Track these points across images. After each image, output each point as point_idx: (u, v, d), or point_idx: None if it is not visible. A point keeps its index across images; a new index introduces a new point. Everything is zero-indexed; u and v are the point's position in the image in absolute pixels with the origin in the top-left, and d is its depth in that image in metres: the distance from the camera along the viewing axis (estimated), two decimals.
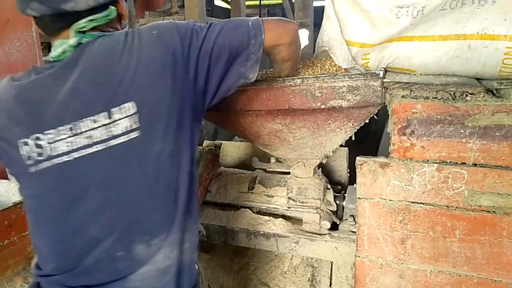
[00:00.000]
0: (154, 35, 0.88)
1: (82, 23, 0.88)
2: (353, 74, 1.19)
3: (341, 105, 1.20)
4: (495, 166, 1.08)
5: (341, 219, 1.60)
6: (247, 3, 8.17)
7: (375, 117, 1.30)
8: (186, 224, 0.96)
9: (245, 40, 0.95)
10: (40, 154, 0.87)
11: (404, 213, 1.20)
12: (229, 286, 1.82)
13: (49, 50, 0.96)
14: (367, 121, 1.31)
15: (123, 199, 0.89)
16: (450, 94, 1.09)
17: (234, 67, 0.96)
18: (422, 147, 1.14)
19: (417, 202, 1.18)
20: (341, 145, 1.46)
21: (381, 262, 1.27)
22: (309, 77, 1.21)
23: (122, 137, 0.85)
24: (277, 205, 1.64)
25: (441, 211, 1.16)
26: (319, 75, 1.23)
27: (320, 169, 1.64)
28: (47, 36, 0.93)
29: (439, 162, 1.13)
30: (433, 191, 1.15)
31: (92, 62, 0.86)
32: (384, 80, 1.16)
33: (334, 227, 1.56)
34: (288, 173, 1.68)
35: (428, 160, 1.14)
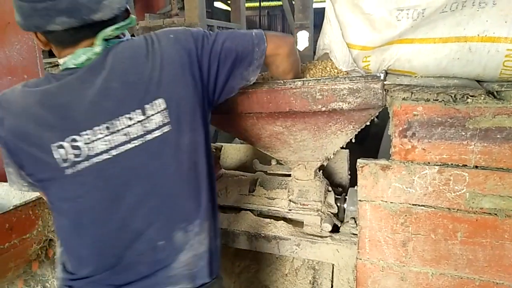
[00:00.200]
0: (172, 38, 0.96)
1: (109, 31, 0.92)
2: (354, 76, 1.19)
3: (342, 107, 1.20)
4: (496, 168, 1.08)
5: (342, 221, 1.60)
6: (247, 4, 8.18)
7: (375, 119, 1.30)
8: (212, 211, 1.05)
9: (250, 47, 1.04)
10: (77, 155, 0.88)
11: (406, 215, 1.20)
12: None
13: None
14: (368, 123, 1.31)
15: (161, 189, 0.94)
16: (451, 96, 1.09)
17: (239, 70, 1.04)
18: (423, 149, 1.14)
19: (419, 205, 1.18)
20: (342, 147, 1.46)
21: (383, 264, 1.27)
22: (310, 80, 1.21)
23: (156, 132, 0.91)
24: (278, 207, 1.64)
25: (442, 214, 1.16)
26: (319, 78, 1.24)
27: (321, 171, 1.64)
28: (61, 47, 0.93)
29: (440, 165, 1.13)
30: (435, 194, 1.15)
31: (121, 64, 0.90)
32: (385, 82, 1.16)
33: (335, 229, 1.55)
34: (289, 175, 1.68)
35: (429, 163, 1.14)
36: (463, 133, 1.09)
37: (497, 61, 1.07)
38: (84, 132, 0.88)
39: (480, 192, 1.11)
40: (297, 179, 1.60)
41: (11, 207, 1.43)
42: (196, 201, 1.00)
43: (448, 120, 1.09)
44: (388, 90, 1.16)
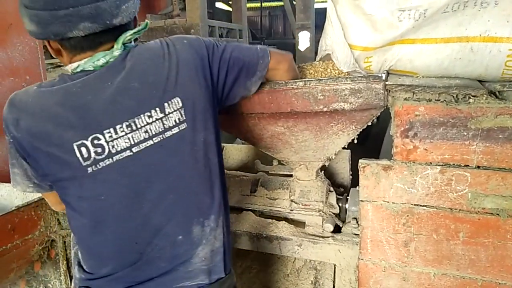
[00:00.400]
0: (186, 43, 1.02)
1: (129, 35, 0.95)
2: (355, 76, 1.19)
3: (343, 107, 1.20)
4: (498, 168, 1.08)
5: (344, 221, 1.60)
6: (248, 5, 8.19)
7: (375, 119, 1.30)
8: (224, 207, 1.09)
9: (255, 59, 1.13)
10: (99, 153, 0.90)
11: (407, 215, 1.20)
12: None
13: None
14: (369, 123, 1.31)
15: (179, 184, 0.98)
16: (453, 97, 1.09)
17: (243, 79, 1.12)
18: (425, 149, 1.14)
19: (420, 205, 1.18)
20: (343, 148, 1.46)
21: (385, 264, 1.26)
22: (312, 80, 1.21)
23: (174, 129, 0.95)
24: (280, 207, 1.64)
25: (444, 214, 1.16)
26: (321, 78, 1.24)
27: (323, 171, 1.64)
28: (76, 53, 0.93)
29: (442, 165, 1.13)
30: (436, 194, 1.15)
31: (141, 65, 0.94)
32: (387, 82, 1.16)
33: (337, 229, 1.55)
34: (291, 175, 1.68)
35: (431, 163, 1.14)
36: (465, 133, 1.09)
37: (499, 61, 1.07)
38: (106, 131, 0.90)
39: (482, 192, 1.10)
40: (299, 180, 1.60)
41: (14, 208, 1.44)
42: (211, 197, 1.03)
43: (450, 120, 1.09)
44: (389, 90, 1.16)
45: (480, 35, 1.07)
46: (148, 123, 0.93)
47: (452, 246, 1.17)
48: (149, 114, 0.93)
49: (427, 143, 1.13)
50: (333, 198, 1.59)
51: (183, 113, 0.96)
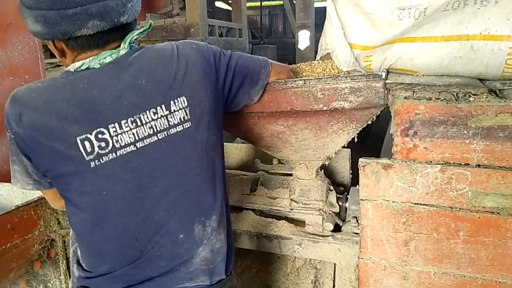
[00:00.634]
0: (194, 48, 1.04)
1: (135, 35, 0.97)
2: (355, 75, 1.18)
3: (343, 106, 1.20)
4: (498, 167, 1.08)
5: (344, 220, 1.59)
6: (248, 4, 8.18)
7: (375, 118, 1.29)
8: (226, 208, 1.10)
9: (258, 68, 1.18)
10: (103, 148, 0.90)
11: (408, 214, 1.20)
12: None
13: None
14: (369, 122, 1.30)
15: (182, 181, 0.98)
16: (453, 95, 1.08)
17: (247, 87, 1.16)
18: (425, 148, 1.14)
19: (421, 204, 1.17)
20: (343, 147, 1.45)
21: (385, 263, 1.26)
22: (311, 79, 1.21)
23: (179, 126, 0.96)
24: (280, 207, 1.64)
25: (444, 213, 1.16)
26: (321, 77, 1.23)
27: (323, 170, 1.64)
28: (82, 51, 0.93)
29: (442, 163, 1.13)
30: (437, 192, 1.15)
31: (149, 64, 0.95)
32: (387, 81, 1.16)
33: (337, 228, 1.55)
34: (291, 174, 1.67)
35: (431, 161, 1.14)
36: (465, 132, 1.08)
37: (499, 59, 1.06)
38: (111, 125, 0.90)
39: (483, 191, 1.10)
40: (299, 179, 1.60)
41: (13, 208, 1.43)
42: (213, 197, 1.04)
43: (450, 118, 1.09)
44: (389, 89, 1.16)
45: (480, 33, 1.06)
46: (153, 119, 0.93)
47: (452, 245, 1.17)
48: (154, 110, 0.93)
49: (427, 141, 1.13)
50: (333, 197, 1.59)
51: (188, 112, 0.97)
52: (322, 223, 1.54)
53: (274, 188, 1.67)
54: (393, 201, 1.20)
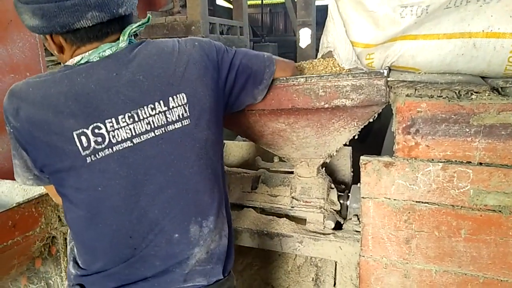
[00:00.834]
0: (197, 45, 1.03)
1: (134, 27, 0.96)
2: (357, 73, 1.18)
3: (345, 104, 1.20)
4: (500, 165, 1.07)
5: (345, 218, 1.59)
6: (249, 2, 8.17)
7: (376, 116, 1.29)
8: (225, 209, 1.08)
9: (262, 67, 1.16)
10: (99, 143, 0.89)
11: (409, 212, 1.19)
12: None
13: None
14: (371, 120, 1.30)
15: (179, 179, 0.96)
16: (455, 93, 1.08)
17: (250, 87, 1.15)
18: (427, 146, 1.13)
19: (422, 202, 1.17)
20: (344, 144, 1.45)
21: (386, 261, 1.26)
22: (313, 76, 1.21)
23: (177, 123, 0.95)
24: (281, 204, 1.64)
25: (446, 211, 1.15)
26: (322, 74, 1.23)
27: (324, 168, 1.64)
28: (81, 44, 0.92)
29: (444, 161, 1.13)
30: (438, 191, 1.15)
31: (148, 59, 0.94)
32: (389, 79, 1.16)
33: (338, 226, 1.55)
34: (292, 172, 1.67)
35: (433, 159, 1.14)
36: (467, 130, 1.08)
37: (502, 57, 1.06)
38: (108, 120, 0.89)
39: (484, 189, 1.10)
40: (300, 176, 1.60)
41: (14, 205, 1.43)
42: (211, 197, 1.02)
43: (452, 116, 1.09)
44: (391, 87, 1.16)
45: (483, 30, 1.06)
46: (151, 115, 0.92)
47: (453, 243, 1.17)
48: (152, 106, 0.92)
49: (429, 139, 1.13)
50: (334, 195, 1.59)
51: (187, 109, 0.96)
52: (323, 221, 1.54)
53: (275, 186, 1.67)
54: (394, 199, 1.20)
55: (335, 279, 1.59)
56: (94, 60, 0.92)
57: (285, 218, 1.62)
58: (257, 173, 1.77)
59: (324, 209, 1.55)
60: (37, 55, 2.19)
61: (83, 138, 0.88)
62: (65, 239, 1.64)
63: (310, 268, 1.71)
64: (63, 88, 0.89)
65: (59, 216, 1.60)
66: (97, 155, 0.89)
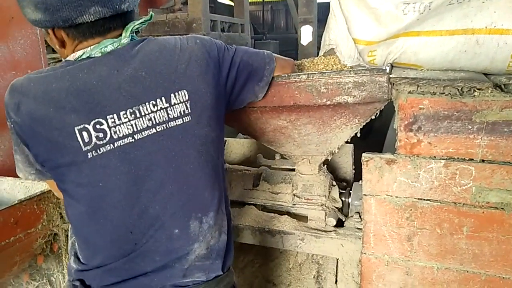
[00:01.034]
0: (199, 42, 1.03)
1: (137, 24, 0.96)
2: (359, 69, 1.18)
3: (347, 101, 1.19)
4: (503, 162, 1.07)
5: (346, 216, 1.59)
6: (250, 0, 8.15)
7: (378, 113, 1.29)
8: (224, 206, 1.09)
9: (262, 64, 1.16)
10: (100, 138, 0.89)
11: (411, 209, 1.19)
12: None
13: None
14: (373, 117, 1.30)
15: (180, 176, 0.97)
16: (458, 90, 1.08)
17: (251, 84, 1.15)
18: (429, 143, 1.13)
19: (424, 199, 1.17)
20: (346, 142, 1.45)
21: (388, 259, 1.26)
22: (315, 73, 1.20)
23: (178, 120, 0.95)
24: (282, 202, 1.64)
25: (448, 208, 1.15)
26: (324, 71, 1.22)
27: (325, 165, 1.63)
28: (83, 39, 0.93)
29: (446, 159, 1.12)
30: (440, 188, 1.15)
31: (150, 56, 0.95)
32: (391, 75, 1.15)
33: (339, 224, 1.55)
34: (293, 169, 1.67)
35: (435, 157, 1.13)
36: (470, 127, 1.08)
37: (505, 54, 1.06)
38: (109, 116, 0.89)
39: (487, 186, 1.10)
40: (301, 174, 1.60)
41: (16, 202, 1.44)
42: (211, 193, 1.02)
43: (455, 113, 1.08)
44: (394, 84, 1.15)
45: (486, 27, 1.05)
46: (152, 111, 0.92)
47: (455, 240, 1.16)
48: (154, 102, 0.92)
49: (431, 136, 1.12)
50: (335, 192, 1.59)
51: (188, 106, 0.96)
52: (325, 218, 1.54)
53: (276, 183, 1.67)
54: (396, 196, 1.20)
55: (336, 276, 1.59)
56: (96, 55, 0.92)
57: (286, 216, 1.62)
58: (258, 171, 1.77)
59: (325, 206, 1.55)
60: (39, 52, 2.18)
61: (85, 134, 0.88)
62: (67, 236, 1.64)
63: (311, 265, 1.72)
64: (64, 84, 0.89)
65: (60, 213, 1.61)
66: (98, 151, 0.89)
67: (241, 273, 1.84)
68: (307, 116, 1.31)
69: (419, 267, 1.23)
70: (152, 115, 0.92)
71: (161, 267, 0.98)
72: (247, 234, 1.61)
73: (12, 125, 0.92)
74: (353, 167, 1.79)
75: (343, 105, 1.22)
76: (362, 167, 1.23)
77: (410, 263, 1.24)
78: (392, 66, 1.22)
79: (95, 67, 0.91)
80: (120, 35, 0.95)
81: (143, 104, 0.92)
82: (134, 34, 0.98)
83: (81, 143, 0.88)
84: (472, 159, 1.10)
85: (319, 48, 1.55)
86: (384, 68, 1.15)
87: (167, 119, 0.94)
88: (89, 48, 0.92)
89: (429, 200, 1.17)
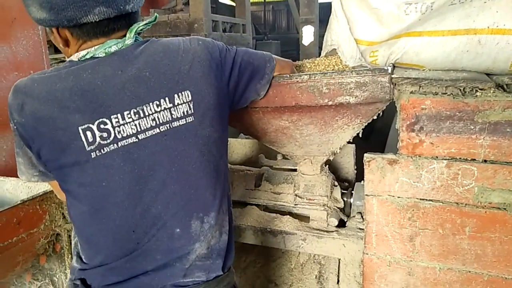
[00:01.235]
0: (201, 44, 1.04)
1: (141, 25, 0.97)
2: (361, 70, 1.18)
3: (348, 101, 1.19)
4: (506, 162, 1.07)
5: (348, 216, 1.59)
6: (251, 0, 8.14)
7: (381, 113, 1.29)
8: (226, 206, 1.09)
9: (263, 63, 1.18)
10: (104, 138, 0.90)
11: (413, 210, 1.19)
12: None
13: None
14: (374, 117, 1.30)
15: (182, 176, 0.97)
16: (460, 90, 1.08)
17: (253, 82, 1.16)
18: (431, 143, 1.13)
19: (426, 199, 1.17)
20: (348, 142, 1.45)
21: (390, 259, 1.26)
22: (316, 73, 1.20)
23: (181, 120, 0.96)
24: (284, 202, 1.64)
25: (450, 208, 1.15)
26: (326, 71, 1.23)
27: (327, 166, 1.63)
28: (87, 39, 0.93)
29: (448, 159, 1.12)
30: (443, 188, 1.14)
31: (154, 57, 0.96)
32: (393, 76, 1.15)
33: (341, 224, 1.55)
34: (295, 170, 1.67)
35: (437, 157, 1.13)
36: (472, 127, 1.08)
37: (507, 54, 1.05)
38: (114, 116, 0.90)
39: (489, 187, 1.09)
40: (303, 174, 1.60)
41: (19, 202, 1.44)
42: (213, 193, 1.03)
43: (457, 113, 1.08)
44: (395, 84, 1.15)
45: (488, 27, 1.05)
46: (156, 111, 0.93)
47: (458, 240, 1.16)
48: (157, 102, 0.93)
49: (434, 137, 1.12)
50: (337, 192, 1.59)
51: (191, 107, 0.97)
52: (327, 218, 1.54)
53: (278, 184, 1.67)
54: (398, 197, 1.20)
55: (338, 276, 1.59)
56: (100, 55, 0.93)
57: (288, 216, 1.62)
58: (260, 171, 1.77)
59: (327, 206, 1.55)
60: (41, 53, 2.19)
61: (89, 133, 0.88)
62: (69, 236, 1.65)
63: (313, 265, 1.72)
64: (68, 84, 0.89)
65: (63, 214, 1.61)
66: (102, 150, 0.90)
67: (243, 273, 1.84)
68: (309, 117, 1.31)
69: (421, 267, 1.23)
70: (156, 115, 0.93)
71: (162, 266, 0.98)
72: (249, 234, 1.61)
73: (15, 127, 0.92)
74: (355, 167, 1.79)
75: (345, 106, 1.22)
76: (364, 167, 1.23)
77: (412, 263, 1.23)
78: (394, 67, 1.22)
79: (99, 67, 0.91)
80: (124, 35, 0.95)
81: (147, 104, 0.92)
82: (137, 35, 0.99)
83: (84, 142, 0.89)
84: (474, 160, 1.10)
85: (320, 49, 1.55)
86: (386, 68, 1.15)
87: (170, 119, 0.94)
88: (93, 48, 0.92)
89: (431, 200, 1.17)
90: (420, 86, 1.11)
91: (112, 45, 0.93)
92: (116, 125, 0.90)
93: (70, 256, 1.67)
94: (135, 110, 0.91)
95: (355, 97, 1.18)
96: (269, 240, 1.59)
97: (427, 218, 1.18)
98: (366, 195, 1.24)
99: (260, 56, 1.19)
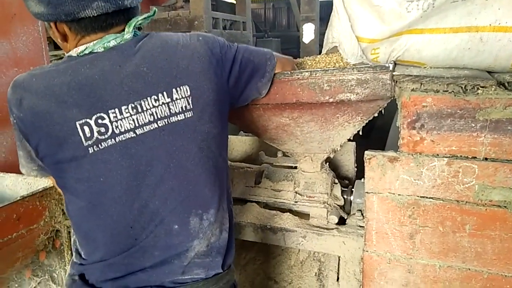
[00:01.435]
0: (201, 39, 1.04)
1: (140, 19, 0.97)
2: (362, 67, 1.17)
3: (349, 98, 1.19)
4: (506, 160, 1.07)
5: (348, 213, 1.59)
6: None
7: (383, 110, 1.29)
8: (226, 203, 1.08)
9: (263, 60, 1.17)
10: (102, 133, 0.89)
11: (413, 207, 1.19)
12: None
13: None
14: (375, 115, 1.29)
15: (180, 171, 0.97)
16: (461, 87, 1.07)
17: (254, 80, 1.15)
18: (432, 141, 1.13)
19: (427, 197, 1.17)
20: (348, 140, 1.45)
21: (390, 256, 1.26)
22: (317, 70, 1.20)
23: (180, 115, 0.95)
24: (284, 199, 1.64)
25: (451, 206, 1.15)
26: (327, 68, 1.22)
27: (328, 163, 1.63)
28: (86, 34, 0.93)
29: (449, 156, 1.12)
30: (443, 186, 1.14)
31: (152, 51, 0.95)
32: (394, 73, 1.15)
33: (341, 221, 1.55)
34: (295, 167, 1.67)
35: (438, 154, 1.13)
36: (473, 125, 1.07)
37: (509, 52, 1.05)
38: (111, 110, 0.89)
39: (490, 185, 1.09)
40: (304, 171, 1.60)
41: (19, 198, 1.44)
42: (212, 190, 1.02)
43: (458, 111, 1.08)
44: (397, 81, 1.15)
45: (490, 24, 1.05)
46: (154, 106, 0.92)
47: (458, 238, 1.16)
48: (155, 97, 0.92)
49: (434, 134, 1.12)
50: (337, 190, 1.59)
51: (190, 102, 0.96)
52: (327, 216, 1.54)
53: (278, 181, 1.67)
54: (398, 194, 1.20)
55: (338, 274, 1.59)
56: (99, 50, 0.92)
57: (288, 213, 1.62)
58: (260, 168, 1.77)
59: (327, 204, 1.55)
60: (41, 49, 2.19)
61: (86, 128, 0.88)
62: (69, 232, 1.65)
63: (313, 263, 1.72)
64: (66, 78, 0.89)
65: (63, 210, 1.61)
66: (99, 146, 0.89)
67: (242, 270, 1.84)
68: (309, 114, 1.31)
69: (421, 265, 1.23)
70: (154, 110, 0.92)
71: (160, 263, 0.98)
72: (249, 231, 1.61)
73: (14, 121, 0.93)
74: (355, 165, 1.79)
75: (345, 103, 1.22)
76: (365, 164, 1.23)
77: (412, 261, 1.24)
78: (395, 64, 1.21)
79: (98, 62, 0.91)
80: (123, 30, 0.95)
81: (145, 99, 0.92)
82: (137, 30, 0.98)
83: (82, 138, 0.88)
84: (475, 157, 1.10)
85: (321, 46, 1.54)
86: (387, 65, 1.15)
87: (168, 114, 0.94)
88: (91, 43, 0.92)
89: (431, 198, 1.17)
90: (421, 84, 1.11)
91: (110, 40, 0.92)
92: (114, 120, 0.90)
93: (69, 252, 1.67)
94: (133, 105, 0.91)
95: (356, 94, 1.18)
96: (269, 237, 1.59)
97: (427, 216, 1.18)
98: (367, 192, 1.24)
99: (261, 53, 1.18)
